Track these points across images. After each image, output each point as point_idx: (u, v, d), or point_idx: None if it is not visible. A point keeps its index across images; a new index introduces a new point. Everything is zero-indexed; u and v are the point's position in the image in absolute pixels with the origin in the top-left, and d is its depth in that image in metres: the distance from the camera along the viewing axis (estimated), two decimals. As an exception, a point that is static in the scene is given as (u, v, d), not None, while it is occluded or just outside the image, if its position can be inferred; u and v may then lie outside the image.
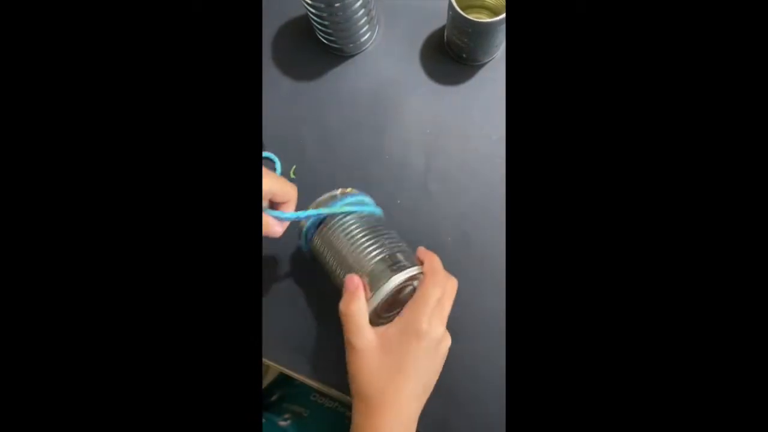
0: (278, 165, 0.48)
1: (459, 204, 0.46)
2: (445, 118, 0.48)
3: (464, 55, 0.47)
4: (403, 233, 0.39)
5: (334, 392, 0.44)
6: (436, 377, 0.35)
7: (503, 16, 0.39)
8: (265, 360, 0.44)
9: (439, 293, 0.34)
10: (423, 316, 0.33)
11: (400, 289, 0.35)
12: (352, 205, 0.38)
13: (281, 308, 0.45)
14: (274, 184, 0.34)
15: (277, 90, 0.50)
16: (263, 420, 0.46)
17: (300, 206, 0.37)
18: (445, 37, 0.48)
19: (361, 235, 0.36)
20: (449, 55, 0.49)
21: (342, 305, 0.34)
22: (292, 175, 0.48)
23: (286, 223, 0.36)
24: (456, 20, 0.41)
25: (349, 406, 0.36)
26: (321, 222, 0.38)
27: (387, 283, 0.34)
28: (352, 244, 0.36)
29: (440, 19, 0.49)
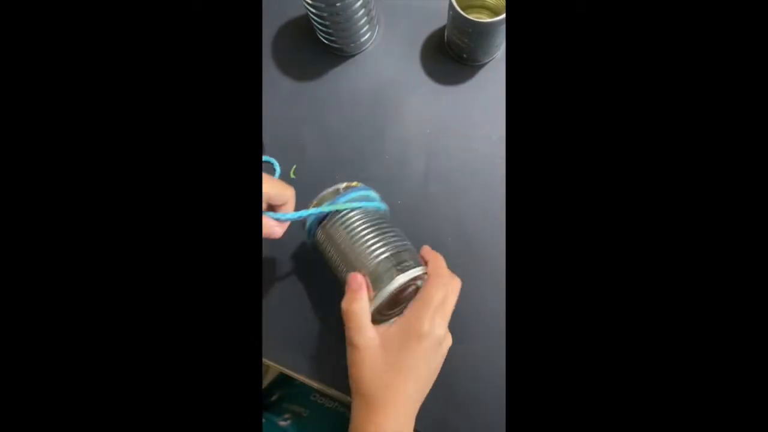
0: (278, 169, 0.48)
1: (459, 204, 0.46)
2: (445, 118, 0.48)
3: (464, 55, 0.47)
4: (403, 233, 0.39)
5: (334, 392, 0.44)
6: (435, 376, 0.35)
7: (504, 16, 0.39)
8: (265, 360, 0.44)
9: (442, 294, 0.34)
10: (426, 317, 0.33)
11: (403, 288, 0.35)
12: (356, 200, 0.37)
13: (281, 308, 0.45)
14: (270, 187, 0.34)
15: (277, 90, 0.50)
16: (263, 420, 0.46)
17: (303, 200, 0.37)
18: (446, 37, 0.48)
19: (365, 232, 0.36)
20: (449, 55, 0.49)
21: (344, 304, 0.34)
22: (292, 175, 0.48)
23: (286, 224, 0.36)
24: (456, 20, 0.41)
25: (348, 406, 0.36)
26: (324, 216, 0.37)
27: (390, 284, 0.33)
28: (356, 241, 0.35)
29: (440, 19, 0.49)
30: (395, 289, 0.34)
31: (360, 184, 0.39)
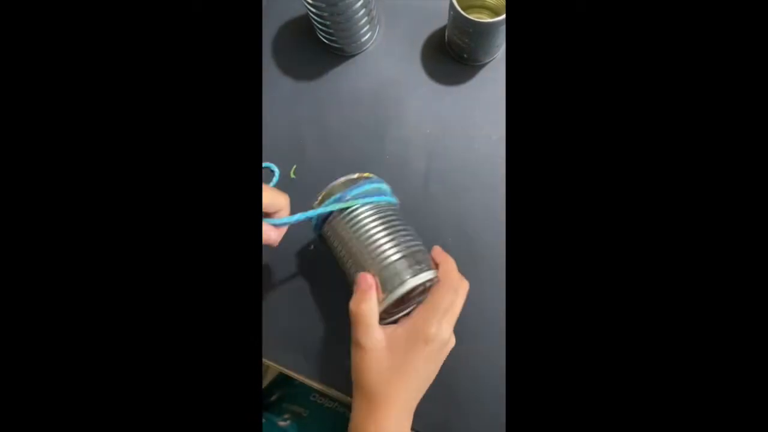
0: (276, 173, 0.48)
1: (459, 204, 0.46)
2: (445, 118, 0.48)
3: (465, 55, 0.47)
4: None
5: (333, 392, 0.44)
6: (436, 374, 0.35)
7: (504, 16, 0.39)
8: (265, 360, 0.44)
9: (450, 299, 0.34)
10: (433, 320, 0.33)
11: (412, 289, 0.34)
12: (367, 193, 0.35)
13: (281, 308, 0.45)
14: (264, 196, 0.34)
15: (277, 90, 0.50)
16: (263, 420, 0.46)
17: (303, 201, 0.37)
18: (446, 37, 0.48)
19: (376, 230, 0.34)
20: (450, 55, 0.49)
21: (353, 304, 0.33)
22: (292, 175, 0.48)
23: (283, 231, 0.36)
24: (457, 20, 0.41)
25: (348, 406, 0.36)
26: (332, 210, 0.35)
27: (401, 287, 0.33)
28: (366, 239, 0.34)
29: (441, 19, 0.49)
30: (405, 292, 0.33)
31: (373, 176, 0.38)
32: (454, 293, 0.34)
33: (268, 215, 0.35)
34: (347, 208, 0.35)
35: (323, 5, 0.42)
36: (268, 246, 0.35)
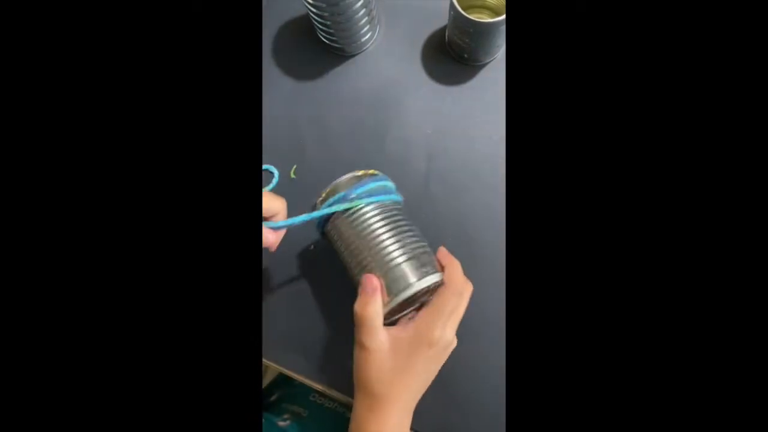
0: (276, 175, 0.48)
1: (459, 204, 0.46)
2: (446, 118, 0.48)
3: (465, 55, 0.47)
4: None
5: (333, 392, 0.44)
6: (436, 375, 0.35)
7: (504, 16, 0.39)
8: (264, 360, 0.44)
9: (455, 302, 0.34)
10: (437, 323, 0.33)
11: (416, 292, 0.34)
12: (373, 192, 0.35)
13: (281, 308, 0.45)
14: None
15: (277, 90, 0.50)
16: (263, 420, 0.46)
17: (303, 202, 0.37)
18: (447, 37, 0.48)
19: (381, 231, 0.34)
20: (450, 55, 0.49)
21: (357, 306, 0.33)
22: (293, 175, 0.48)
23: (281, 234, 0.36)
24: (457, 20, 0.41)
25: (348, 407, 0.36)
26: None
27: (406, 290, 0.33)
28: (372, 240, 0.34)
29: (441, 19, 0.49)
30: (410, 296, 0.33)
31: (378, 173, 0.37)
32: (458, 297, 0.34)
33: (265, 219, 0.35)
34: (352, 207, 0.34)
35: (323, 5, 0.42)
36: (267, 250, 0.35)
